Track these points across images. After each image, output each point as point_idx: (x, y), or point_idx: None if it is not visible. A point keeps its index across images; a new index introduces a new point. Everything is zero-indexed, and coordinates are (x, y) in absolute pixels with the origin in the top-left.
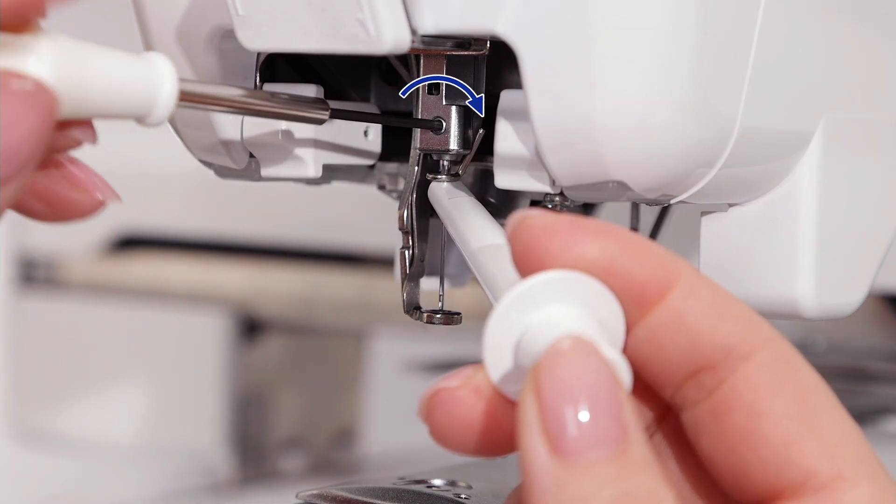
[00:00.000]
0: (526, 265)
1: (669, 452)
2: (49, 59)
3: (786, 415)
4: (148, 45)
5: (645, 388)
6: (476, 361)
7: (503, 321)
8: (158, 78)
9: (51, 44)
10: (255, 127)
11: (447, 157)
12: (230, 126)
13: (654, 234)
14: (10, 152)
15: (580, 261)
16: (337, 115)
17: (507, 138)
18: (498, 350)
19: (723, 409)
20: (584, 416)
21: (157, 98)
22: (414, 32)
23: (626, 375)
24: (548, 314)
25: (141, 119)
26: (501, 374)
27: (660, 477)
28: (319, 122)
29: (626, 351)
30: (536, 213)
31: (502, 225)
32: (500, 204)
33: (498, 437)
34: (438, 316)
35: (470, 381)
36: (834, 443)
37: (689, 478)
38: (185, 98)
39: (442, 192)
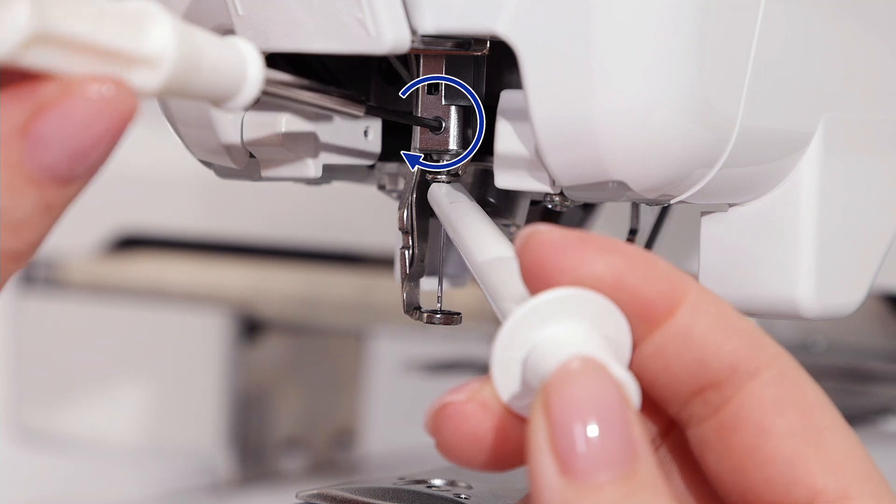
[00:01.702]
0: (535, 281)
1: (674, 467)
2: (172, 45)
3: (792, 433)
4: None
5: (650, 402)
6: (476, 362)
7: (512, 337)
8: (245, 62)
9: (171, 25)
10: (255, 127)
11: (447, 157)
12: (230, 126)
13: (653, 234)
14: (81, 153)
15: (589, 278)
16: (371, 111)
17: (507, 138)
18: (506, 366)
19: (729, 427)
20: (593, 435)
21: (242, 83)
22: (414, 32)
23: (635, 395)
24: (557, 332)
25: (221, 102)
26: (509, 390)
27: (668, 497)
28: (355, 116)
29: (632, 367)
30: (546, 229)
31: (502, 225)
32: (500, 204)
33: (506, 451)
34: (438, 316)
35: (477, 395)
36: (840, 461)
37: (694, 493)
38: (266, 85)
39: (441, 195)
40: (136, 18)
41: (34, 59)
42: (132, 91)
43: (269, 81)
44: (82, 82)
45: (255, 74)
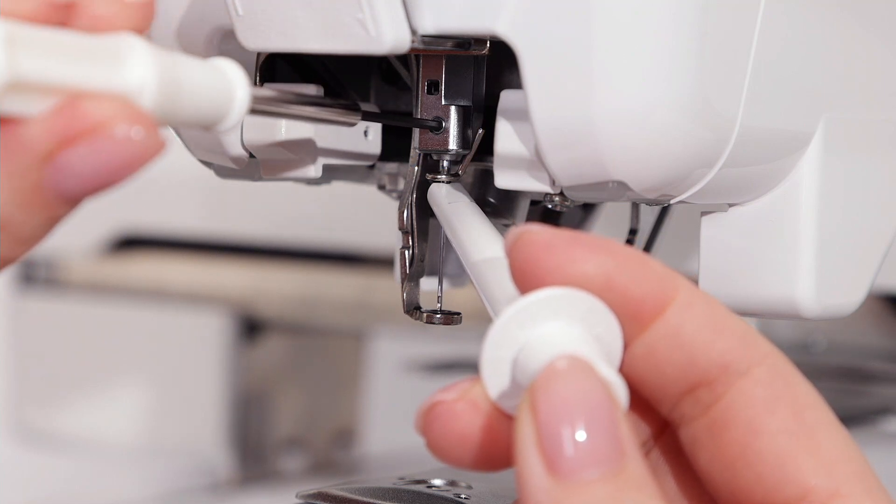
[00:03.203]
0: (524, 281)
1: (666, 468)
2: (151, 79)
3: (783, 431)
4: None
5: (642, 403)
6: (475, 362)
7: (501, 337)
8: (231, 85)
9: (149, 58)
10: (255, 128)
11: (447, 157)
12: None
13: (653, 234)
14: (99, 183)
15: (578, 277)
16: (368, 118)
17: (507, 138)
18: (496, 365)
19: (720, 426)
20: (580, 435)
21: (230, 106)
22: (414, 32)
23: (622, 395)
24: (545, 331)
25: (210, 126)
26: (499, 389)
27: (656, 495)
28: (352, 124)
29: (623, 367)
30: (535, 229)
31: (502, 225)
32: (499, 204)
33: (495, 451)
34: (438, 316)
35: (467, 394)
36: (831, 459)
37: (686, 493)
38: (253, 103)
39: (441, 195)
40: (112, 52)
41: (9, 106)
42: (158, 131)
43: (257, 100)
44: (113, 120)
45: (241, 96)
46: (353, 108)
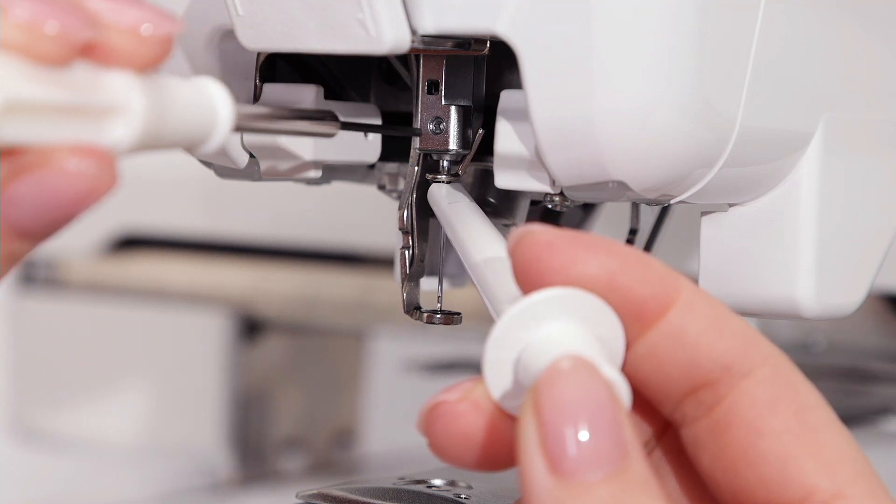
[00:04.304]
0: (527, 281)
1: (668, 468)
2: (137, 90)
3: (785, 432)
4: None
5: (644, 403)
6: (476, 362)
7: (504, 337)
8: (214, 103)
9: (139, 85)
10: None
11: (447, 158)
12: None
13: (654, 234)
14: (50, 217)
15: (581, 277)
16: (346, 128)
17: (507, 138)
18: (498, 365)
19: (722, 426)
20: (583, 435)
21: (214, 125)
22: (414, 32)
23: (625, 395)
24: (548, 331)
25: (195, 146)
26: (501, 390)
27: (659, 496)
28: (330, 135)
29: (625, 367)
30: (538, 229)
31: (503, 225)
32: (500, 204)
33: (498, 451)
34: (438, 316)
35: (469, 394)
36: (833, 460)
37: (689, 494)
38: (238, 121)
39: (441, 195)
40: (94, 74)
41: (10, 133)
42: (114, 166)
43: (240, 117)
44: (63, 153)
45: (225, 115)
46: (331, 118)
